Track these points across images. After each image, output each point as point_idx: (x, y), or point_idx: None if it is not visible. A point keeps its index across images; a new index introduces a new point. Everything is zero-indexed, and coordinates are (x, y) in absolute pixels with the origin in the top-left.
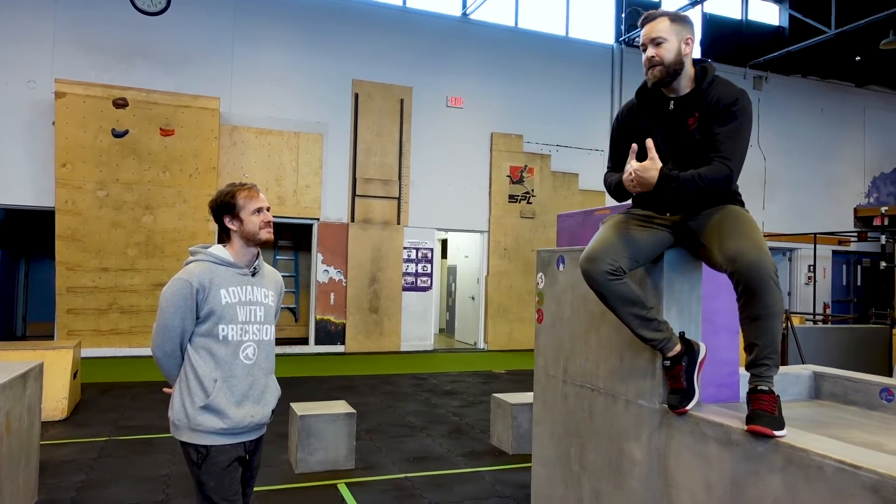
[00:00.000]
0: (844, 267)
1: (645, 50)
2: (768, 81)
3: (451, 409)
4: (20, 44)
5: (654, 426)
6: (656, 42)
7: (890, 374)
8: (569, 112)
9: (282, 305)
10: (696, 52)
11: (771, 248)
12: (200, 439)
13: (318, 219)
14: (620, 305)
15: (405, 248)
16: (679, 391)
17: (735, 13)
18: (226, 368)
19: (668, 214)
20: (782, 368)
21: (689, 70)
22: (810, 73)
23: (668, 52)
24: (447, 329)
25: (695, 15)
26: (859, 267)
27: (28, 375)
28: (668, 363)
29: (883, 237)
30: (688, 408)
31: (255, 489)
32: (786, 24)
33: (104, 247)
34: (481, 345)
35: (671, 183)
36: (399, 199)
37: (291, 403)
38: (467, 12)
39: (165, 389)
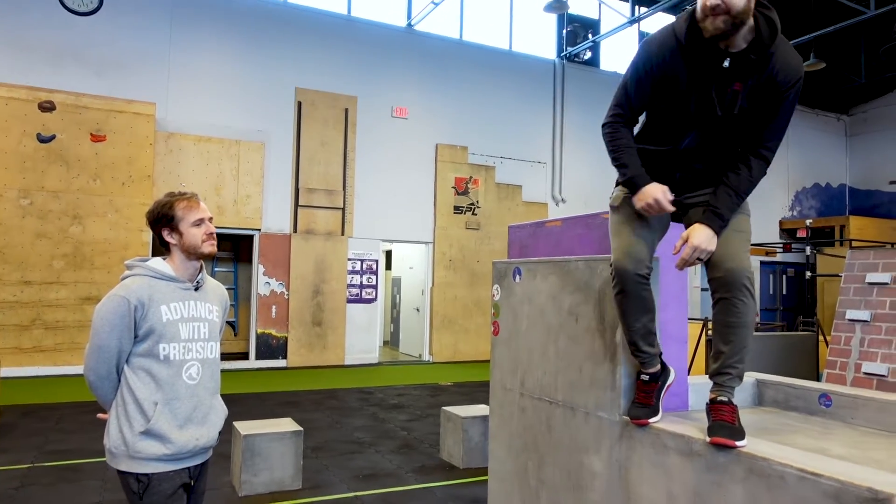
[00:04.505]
0: (771, 277)
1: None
2: None
3: (398, 423)
4: None
5: (615, 438)
6: None
7: (818, 379)
8: (513, 124)
9: (223, 321)
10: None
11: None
12: (141, 467)
13: (259, 229)
14: (638, 313)
15: (349, 259)
16: (646, 406)
17: None
18: (167, 390)
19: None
20: None
21: (749, 23)
22: None
23: (737, 0)
24: (392, 341)
25: (632, 35)
26: (785, 276)
27: None
28: (646, 378)
29: (808, 248)
30: (649, 421)
31: None
32: None
33: (27, 259)
34: (426, 357)
35: (725, 225)
36: (343, 209)
37: (234, 422)
38: (412, 23)
39: (100, 416)
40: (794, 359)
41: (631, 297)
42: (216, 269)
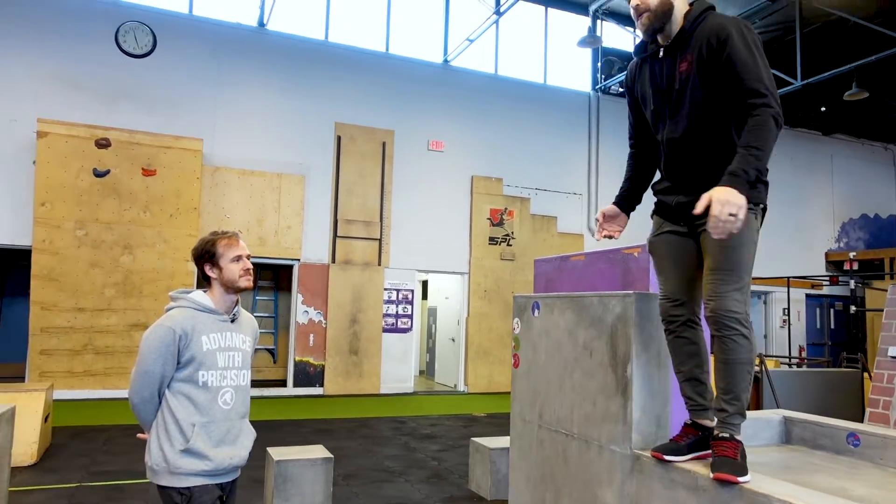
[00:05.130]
0: (818, 310)
1: (630, 1)
2: None
3: (430, 453)
4: (3, 82)
5: (626, 472)
6: None
7: (862, 419)
8: (548, 156)
9: (259, 346)
10: None
11: None
12: (182, 482)
13: (298, 259)
14: (681, 356)
15: (385, 289)
16: (730, 461)
17: None
18: (205, 413)
19: (681, 224)
20: (754, 413)
21: (680, 11)
22: None
23: None
24: (427, 371)
25: None
26: (832, 310)
27: (1, 418)
28: (718, 429)
29: (852, 282)
30: (732, 478)
31: None
32: None
33: (81, 286)
34: (462, 387)
35: (748, 184)
36: (380, 240)
37: (268, 448)
38: (448, 59)
39: (140, 436)
40: (837, 397)
41: (670, 340)
42: (257, 297)
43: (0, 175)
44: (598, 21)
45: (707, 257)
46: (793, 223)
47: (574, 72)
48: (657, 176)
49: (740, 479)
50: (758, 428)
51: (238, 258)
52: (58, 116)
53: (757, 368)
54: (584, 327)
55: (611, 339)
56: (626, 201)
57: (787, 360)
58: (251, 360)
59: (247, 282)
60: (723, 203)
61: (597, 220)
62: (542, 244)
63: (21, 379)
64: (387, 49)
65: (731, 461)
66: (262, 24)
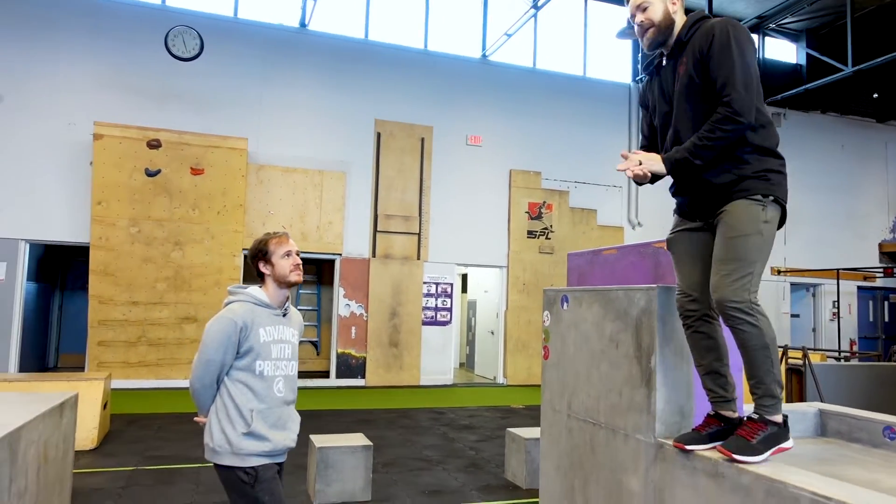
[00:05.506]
0: (871, 303)
1: (634, 19)
2: (787, 118)
3: (467, 443)
4: (61, 87)
5: (650, 459)
6: (642, 8)
7: None
8: (587, 149)
9: (303, 339)
10: None
11: (794, 284)
12: (246, 462)
13: (340, 254)
14: (700, 350)
15: (425, 282)
16: (741, 440)
17: None
18: (262, 400)
19: (696, 220)
20: (789, 406)
21: (679, 23)
22: (830, 109)
23: (654, 14)
24: (467, 363)
25: None
26: (886, 303)
27: (64, 406)
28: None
29: None
30: (728, 453)
31: None
32: (803, 62)
33: (135, 281)
34: (501, 379)
35: (674, 164)
36: (419, 234)
37: (311, 435)
38: (486, 54)
39: (197, 419)
40: (886, 391)
41: (688, 334)
42: (301, 291)
43: (59, 176)
44: None
45: (714, 250)
46: (844, 211)
47: (614, 63)
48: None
49: (736, 455)
50: (792, 420)
51: (288, 254)
52: (112, 119)
53: (800, 362)
54: (611, 320)
55: (636, 331)
56: None
57: (835, 354)
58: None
59: (297, 276)
60: (639, 159)
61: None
62: (581, 237)
63: (81, 369)
64: (425, 46)
65: (742, 440)
66: (303, 24)
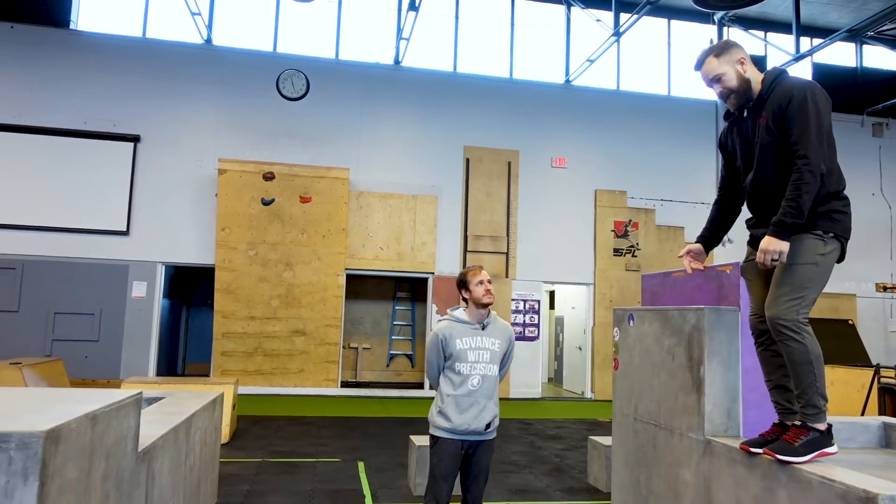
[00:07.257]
0: None
1: (713, 89)
2: (889, 128)
3: (553, 451)
4: (191, 129)
5: (700, 454)
6: (716, 79)
7: None
8: (672, 167)
9: (397, 352)
10: None
11: None
12: (435, 432)
13: (432, 273)
14: (767, 367)
15: (513, 299)
16: (784, 444)
17: (848, 61)
18: (457, 389)
19: None
20: (851, 418)
21: (756, 81)
22: None
23: (730, 81)
24: (555, 378)
25: (804, 67)
26: None
27: (216, 401)
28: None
29: None
30: (771, 453)
31: None
32: None
33: (252, 298)
34: (588, 394)
35: (788, 230)
36: (507, 253)
37: (411, 436)
38: (570, 79)
39: None
40: None
41: (759, 352)
42: (396, 307)
43: (189, 206)
44: (725, 28)
45: (775, 274)
46: None
47: (697, 81)
48: (748, 214)
49: (780, 456)
50: (854, 432)
51: (480, 283)
52: (233, 155)
53: (893, 380)
54: (668, 336)
55: (688, 345)
56: (708, 242)
57: None
58: (507, 357)
59: (488, 298)
60: (764, 252)
61: (682, 255)
62: (668, 255)
63: (206, 376)
64: (510, 74)
65: (785, 444)
66: (397, 62)
